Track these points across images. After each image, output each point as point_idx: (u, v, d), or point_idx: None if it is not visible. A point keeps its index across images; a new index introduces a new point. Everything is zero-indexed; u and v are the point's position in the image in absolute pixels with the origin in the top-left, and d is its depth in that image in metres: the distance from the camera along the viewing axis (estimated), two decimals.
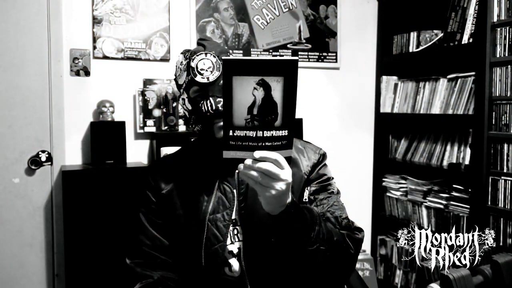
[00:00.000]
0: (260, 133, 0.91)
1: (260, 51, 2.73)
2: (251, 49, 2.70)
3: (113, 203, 2.13)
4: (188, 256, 1.19)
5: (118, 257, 2.07)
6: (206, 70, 1.18)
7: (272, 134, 0.92)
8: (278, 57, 0.84)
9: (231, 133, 0.91)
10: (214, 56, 1.19)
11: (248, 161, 0.91)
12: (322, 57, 2.89)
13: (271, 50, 2.76)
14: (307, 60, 2.85)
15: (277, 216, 0.99)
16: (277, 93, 0.89)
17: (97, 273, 2.12)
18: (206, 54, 1.19)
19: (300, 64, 2.84)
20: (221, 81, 1.17)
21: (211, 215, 1.18)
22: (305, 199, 1.21)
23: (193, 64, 1.18)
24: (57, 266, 2.36)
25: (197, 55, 1.19)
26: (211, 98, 1.17)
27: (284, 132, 0.93)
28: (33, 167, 2.30)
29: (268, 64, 0.89)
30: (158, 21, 2.52)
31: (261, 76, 0.88)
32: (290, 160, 0.95)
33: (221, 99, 1.16)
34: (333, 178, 1.29)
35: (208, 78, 1.18)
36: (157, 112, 2.48)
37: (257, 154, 0.91)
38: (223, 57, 0.89)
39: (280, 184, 0.94)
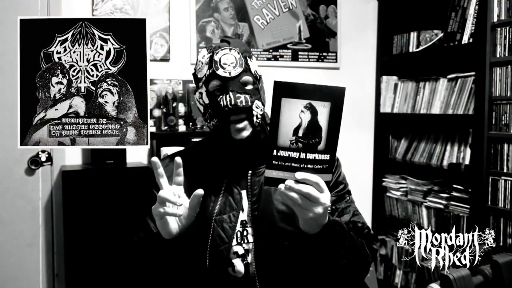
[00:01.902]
0: (303, 155, 0.94)
1: (260, 51, 2.73)
2: (251, 49, 2.70)
3: (113, 203, 2.13)
4: (193, 256, 1.19)
5: (118, 257, 2.08)
6: (229, 65, 1.17)
7: (314, 157, 0.95)
8: (327, 84, 0.90)
9: (275, 153, 0.94)
10: (238, 53, 1.18)
11: (290, 182, 0.94)
12: (322, 57, 2.89)
13: (271, 50, 2.76)
14: (307, 60, 2.85)
15: (314, 236, 1.02)
16: (323, 118, 0.94)
17: (97, 273, 2.12)
18: (230, 49, 1.18)
19: (300, 64, 2.84)
20: (242, 77, 1.18)
21: (218, 216, 1.18)
22: (329, 210, 1.22)
23: (216, 58, 1.17)
24: (57, 266, 2.36)
25: (221, 49, 1.18)
26: (230, 93, 1.15)
27: (326, 156, 0.95)
28: (33, 167, 2.30)
29: (317, 89, 0.93)
30: (158, 21, 2.52)
31: (309, 100, 0.93)
32: (329, 185, 0.98)
33: (240, 95, 1.16)
34: (348, 184, 1.31)
35: (230, 73, 1.16)
36: (157, 112, 2.49)
37: (299, 175, 0.94)
38: (274, 80, 0.91)
39: (318, 208, 0.96)
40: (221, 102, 1.15)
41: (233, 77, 1.16)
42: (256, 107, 1.19)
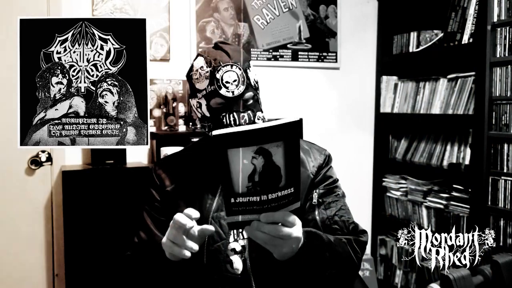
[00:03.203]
0: (264, 197, 0.85)
1: (260, 51, 2.73)
2: (251, 49, 2.70)
3: (113, 203, 2.13)
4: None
5: (118, 257, 2.08)
6: (231, 84, 1.17)
7: (277, 195, 0.86)
8: (274, 122, 0.82)
9: (232, 200, 0.85)
10: (240, 69, 1.19)
11: (255, 224, 0.88)
12: (322, 57, 2.89)
13: (271, 50, 2.76)
14: (307, 60, 2.85)
15: (291, 259, 0.99)
16: (278, 157, 0.83)
17: (97, 273, 2.12)
18: (232, 66, 1.19)
19: (300, 64, 2.84)
20: (245, 95, 1.19)
21: (215, 213, 1.19)
22: (314, 202, 1.22)
23: (218, 76, 1.18)
24: (57, 266, 2.36)
25: (223, 66, 1.18)
26: (234, 113, 1.17)
27: (290, 190, 0.87)
28: (33, 167, 2.30)
29: (264, 132, 0.81)
30: (158, 21, 2.52)
31: (259, 145, 0.81)
32: (298, 212, 0.92)
33: (244, 114, 1.18)
34: (338, 180, 1.30)
35: (233, 92, 1.17)
36: (157, 112, 2.49)
37: (263, 218, 0.87)
38: (213, 133, 0.80)
39: (290, 242, 0.93)
40: (224, 121, 1.18)
41: (236, 97, 1.18)
42: (258, 118, 1.22)
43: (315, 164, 1.27)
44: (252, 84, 1.23)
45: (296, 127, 0.83)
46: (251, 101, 1.21)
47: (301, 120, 0.83)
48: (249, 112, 1.19)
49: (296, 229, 0.93)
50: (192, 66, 1.26)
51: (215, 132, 0.79)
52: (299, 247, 0.97)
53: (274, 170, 0.84)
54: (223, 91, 1.17)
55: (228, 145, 0.80)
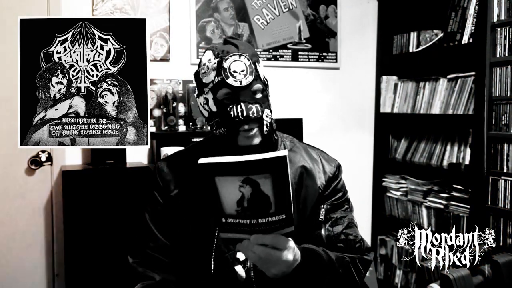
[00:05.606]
0: (254, 221, 0.85)
1: (260, 51, 2.73)
2: None
3: (113, 203, 2.13)
4: (196, 262, 1.18)
5: (118, 257, 2.08)
6: (239, 73, 1.12)
7: (268, 220, 0.85)
8: (260, 156, 0.81)
9: (224, 220, 0.86)
10: (248, 59, 1.14)
11: (246, 243, 0.88)
12: (322, 57, 2.89)
13: (271, 50, 2.76)
14: (307, 60, 2.85)
15: (283, 278, 0.97)
16: (266, 188, 0.82)
17: (97, 273, 2.12)
18: (240, 56, 1.13)
19: (300, 64, 2.84)
20: (253, 86, 1.14)
21: None
22: (321, 219, 1.19)
23: (225, 65, 1.12)
24: (57, 266, 2.36)
25: (231, 56, 1.13)
26: (242, 104, 1.11)
27: (282, 216, 0.85)
28: (33, 167, 2.30)
29: (250, 164, 0.80)
30: (158, 21, 2.52)
31: (246, 175, 0.81)
32: (292, 234, 0.90)
33: (252, 106, 1.12)
34: (347, 192, 1.27)
35: (241, 82, 1.12)
36: (157, 112, 2.48)
37: (253, 239, 0.87)
38: (200, 161, 0.80)
39: (282, 267, 0.91)
40: (232, 113, 1.12)
41: (244, 87, 1.12)
42: (266, 115, 1.16)
43: (325, 178, 1.24)
44: (262, 78, 1.18)
45: (282, 161, 0.81)
46: (259, 95, 1.16)
47: (286, 156, 0.82)
48: (257, 105, 1.13)
49: (286, 253, 0.90)
50: (200, 61, 1.20)
51: (201, 160, 0.80)
52: (294, 267, 0.96)
53: (262, 198, 0.83)
54: (230, 80, 1.11)
55: (215, 173, 0.81)
